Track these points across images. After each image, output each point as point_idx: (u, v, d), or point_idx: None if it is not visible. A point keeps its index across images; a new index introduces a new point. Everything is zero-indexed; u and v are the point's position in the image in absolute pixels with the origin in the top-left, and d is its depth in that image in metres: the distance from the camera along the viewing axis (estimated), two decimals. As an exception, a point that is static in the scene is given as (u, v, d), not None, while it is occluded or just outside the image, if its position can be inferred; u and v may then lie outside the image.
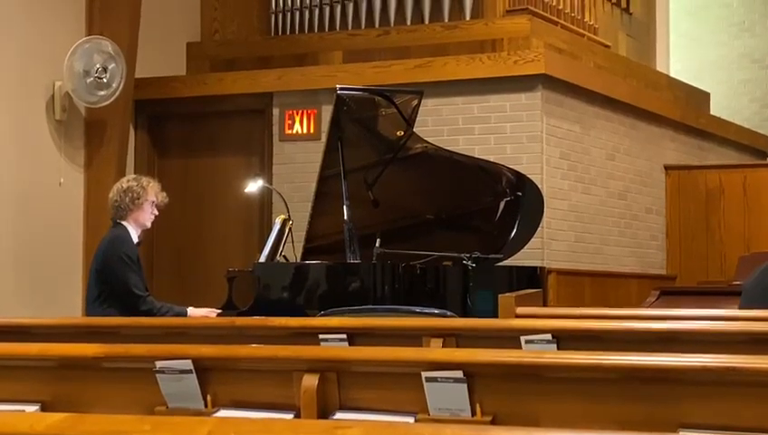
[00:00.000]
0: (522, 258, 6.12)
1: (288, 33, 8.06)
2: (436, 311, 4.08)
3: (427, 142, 5.88)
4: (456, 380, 2.31)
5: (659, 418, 2.17)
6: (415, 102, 5.74)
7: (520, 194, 6.08)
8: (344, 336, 3.16)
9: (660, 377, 2.20)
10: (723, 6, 10.93)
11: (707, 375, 2.12)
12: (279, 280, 5.45)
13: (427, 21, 7.63)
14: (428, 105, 6.60)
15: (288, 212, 5.75)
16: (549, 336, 2.97)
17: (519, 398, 2.36)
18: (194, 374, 2.48)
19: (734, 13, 10.92)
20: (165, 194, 5.22)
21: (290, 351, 2.50)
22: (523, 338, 2.98)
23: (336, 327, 3.20)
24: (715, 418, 2.11)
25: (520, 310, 3.49)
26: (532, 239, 6.21)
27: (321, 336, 3.13)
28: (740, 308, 3.29)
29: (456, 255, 5.63)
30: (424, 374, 2.31)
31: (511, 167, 6.19)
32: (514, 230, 6.06)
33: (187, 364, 2.49)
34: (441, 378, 2.32)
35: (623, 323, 3.12)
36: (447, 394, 2.33)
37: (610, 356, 2.29)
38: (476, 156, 6.54)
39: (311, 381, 2.36)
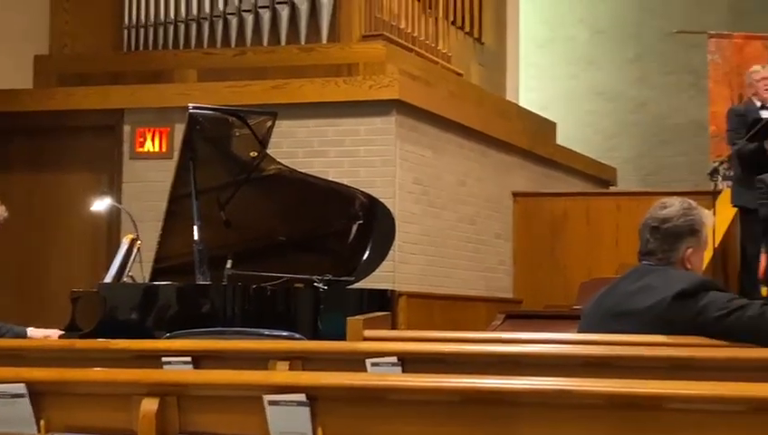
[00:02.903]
0: (373, 281, 6.16)
1: (142, 49, 7.92)
2: (284, 333, 4.06)
3: (281, 164, 5.87)
4: (299, 403, 2.30)
5: (499, 440, 2.21)
6: (269, 123, 5.72)
7: (372, 217, 6.12)
8: (189, 359, 3.10)
9: (499, 399, 2.24)
10: (570, 41, 11.35)
11: (542, 398, 2.17)
12: (125, 301, 5.31)
13: (283, 42, 7.63)
14: (284, 127, 6.58)
15: (137, 231, 5.62)
16: (394, 359, 2.99)
17: (363, 421, 2.36)
18: (27, 398, 2.39)
19: (582, 47, 11.36)
20: (4, 208, 5.04)
21: (129, 374, 2.44)
22: (368, 361, 2.99)
23: (180, 350, 3.14)
24: (551, 439, 2.16)
25: (367, 333, 3.50)
26: (384, 262, 6.27)
27: (164, 359, 3.07)
28: (578, 332, 3.39)
29: (307, 277, 5.62)
30: (266, 398, 2.29)
31: (364, 190, 6.24)
32: (366, 253, 6.09)
33: (21, 388, 2.39)
34: (283, 401, 2.30)
35: (467, 346, 3.18)
36: (290, 418, 2.31)
37: (452, 379, 2.33)
38: (330, 179, 6.56)
39: (150, 405, 2.30)
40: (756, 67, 7.54)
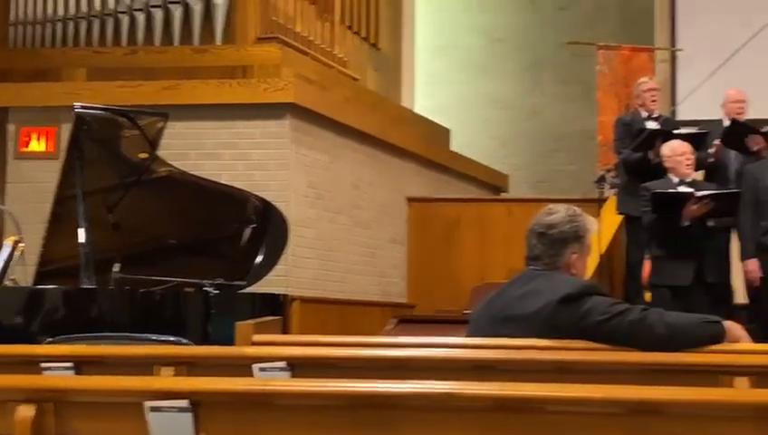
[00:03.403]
0: (266, 286, 6.12)
1: (29, 46, 7.70)
2: (171, 338, 3.99)
3: (172, 166, 5.77)
4: (181, 409, 2.25)
5: (386, 444, 2.22)
6: (160, 125, 5.63)
7: (266, 221, 6.07)
8: (70, 365, 3.01)
9: (386, 403, 2.24)
10: (466, 48, 11.48)
11: (428, 401, 2.18)
12: (7, 305, 5.15)
13: (176, 43, 7.52)
14: (175, 128, 6.48)
15: (20, 233, 5.45)
16: (283, 364, 2.96)
17: (248, 427, 2.33)
18: None
19: (477, 55, 11.50)
20: None
21: (4, 380, 2.35)
22: (256, 366, 2.95)
23: (61, 355, 3.05)
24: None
25: (256, 337, 3.46)
26: (278, 267, 6.23)
27: (43, 365, 2.97)
28: (467, 336, 3.42)
29: (197, 281, 5.54)
30: (147, 404, 2.24)
31: (258, 194, 6.19)
32: (259, 257, 6.04)
33: None
34: (165, 408, 2.25)
35: (356, 350, 3.17)
36: (172, 424, 2.26)
37: (337, 383, 2.31)
38: (223, 182, 6.48)
39: (26, 412, 2.23)
40: (644, 79, 7.75)
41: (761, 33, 7.56)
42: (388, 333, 5.48)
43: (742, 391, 2.38)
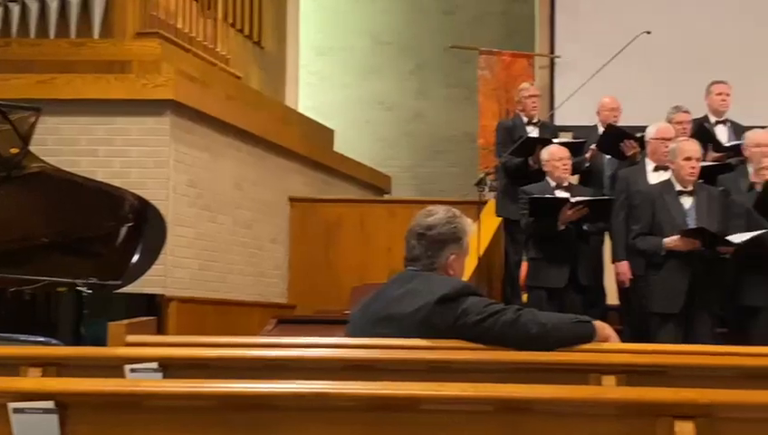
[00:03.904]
0: (143, 286, 5.99)
1: None
2: (40, 339, 3.86)
3: (45, 162, 5.61)
4: (47, 410, 2.18)
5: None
6: (33, 119, 5.45)
7: (143, 220, 5.96)
8: (-70, 367, 2.88)
9: (258, 404, 2.21)
10: (351, 50, 11.51)
11: (301, 401, 2.17)
12: None
13: (52, 36, 7.30)
14: (49, 123, 6.30)
15: None
16: (155, 365, 2.90)
17: (117, 429, 2.28)
18: None
19: (362, 57, 11.53)
20: None
21: None
22: (127, 367, 2.88)
23: None
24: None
25: (130, 338, 3.38)
26: (155, 267, 6.11)
27: None
28: (346, 336, 3.41)
29: (70, 281, 5.39)
30: (11, 405, 2.16)
31: (135, 192, 6.06)
32: (136, 257, 5.92)
33: None
34: (30, 409, 2.17)
35: (230, 351, 3.13)
36: (37, 426, 2.19)
37: (210, 384, 2.27)
38: (99, 179, 6.32)
39: None
40: (525, 85, 7.89)
41: (635, 42, 7.79)
42: (267, 334, 5.43)
43: (608, 389, 2.44)
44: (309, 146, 9.08)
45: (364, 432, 2.11)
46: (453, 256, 3.33)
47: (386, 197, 10.37)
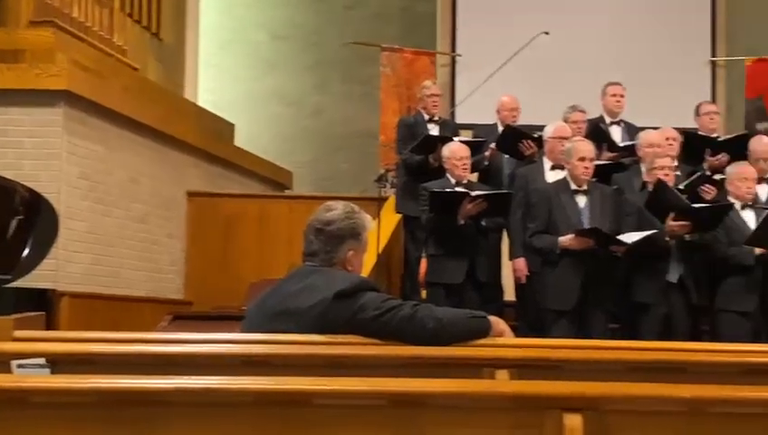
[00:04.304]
0: (34, 280, 5.83)
1: None
2: None
3: (-70, 152, 5.41)
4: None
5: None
6: None
7: (34, 213, 5.80)
8: None
9: (145, 400, 2.17)
10: (252, 44, 11.40)
11: (190, 397, 2.13)
12: None
13: (-60, 22, 7.03)
14: (-64, 112, 6.07)
15: None
16: (42, 360, 2.82)
17: (3, 425, 2.21)
18: None
19: (263, 51, 11.43)
20: None
21: None
22: (14, 362, 2.79)
23: None
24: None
25: (17, 333, 3.27)
26: (46, 261, 5.95)
27: None
28: (242, 332, 3.37)
29: (-44, 275, 5.21)
30: None
31: (27, 184, 5.88)
32: (26, 250, 5.76)
33: None
34: None
35: (123, 346, 3.06)
36: None
37: (97, 380, 2.22)
38: (-10, 170, 6.13)
39: None
40: (428, 83, 7.93)
41: (535, 43, 7.92)
42: (162, 330, 5.34)
43: (499, 383, 2.47)
44: (208, 140, 8.96)
45: (255, 428, 2.09)
46: (351, 252, 3.33)
47: (286, 192, 10.31)
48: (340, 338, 3.01)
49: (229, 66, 11.25)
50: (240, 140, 10.11)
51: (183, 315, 5.94)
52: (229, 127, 9.98)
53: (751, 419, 2.05)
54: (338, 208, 3.38)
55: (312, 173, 11.20)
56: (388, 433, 2.03)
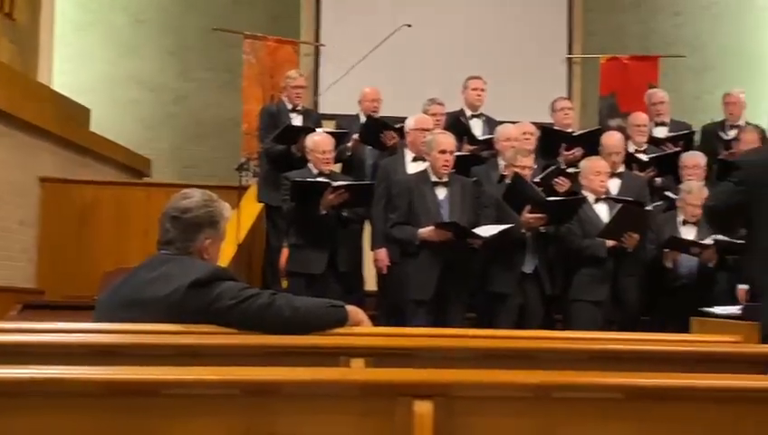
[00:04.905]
0: None
1: None
2: None
3: None
4: None
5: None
6: None
7: None
8: None
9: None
10: (110, 27, 11.08)
11: (35, 387, 2.06)
12: None
13: None
14: None
15: None
16: None
17: None
18: None
19: (123, 34, 11.14)
20: None
21: None
22: None
23: None
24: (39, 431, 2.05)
25: None
26: None
27: None
28: (94, 321, 3.28)
29: None
30: None
31: None
32: None
33: None
34: None
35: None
36: None
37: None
38: None
39: None
40: (293, 74, 7.86)
41: (398, 34, 7.98)
42: (11, 319, 5.14)
43: (350, 371, 2.47)
44: (62, 125, 8.67)
45: (101, 419, 2.03)
46: (208, 241, 3.29)
47: (144, 179, 10.08)
48: (194, 327, 2.96)
49: (88, 49, 10.92)
50: (98, 126, 9.83)
51: (33, 304, 5.74)
52: (85, 111, 9.69)
53: (594, 403, 2.12)
54: (195, 196, 3.33)
55: (172, 161, 11.00)
56: (239, 423, 2.01)
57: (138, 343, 2.81)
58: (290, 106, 7.62)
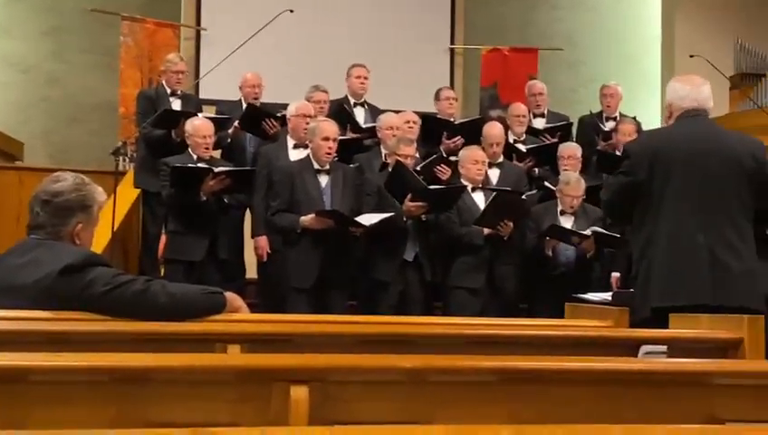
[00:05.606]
0: None
1: None
2: None
3: None
4: None
5: None
6: None
7: None
8: None
9: None
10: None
11: None
12: None
13: None
14: None
15: None
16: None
17: None
18: None
19: (-7, 13, 10.76)
20: None
21: None
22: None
23: None
24: None
25: None
26: None
27: None
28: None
29: None
30: None
31: None
32: None
33: None
34: None
35: None
36: None
37: None
38: None
39: None
40: (174, 57, 7.67)
41: (280, 20, 7.90)
42: None
43: (226, 357, 2.45)
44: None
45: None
46: (80, 226, 3.22)
47: (16, 163, 9.74)
48: (64, 314, 2.88)
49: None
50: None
51: None
52: (-46, 92, 9.31)
53: (468, 386, 2.14)
54: (67, 180, 3.27)
55: (46, 145, 10.67)
56: (109, 410, 1.96)
57: (6, 329, 2.72)
58: (169, 90, 7.47)
